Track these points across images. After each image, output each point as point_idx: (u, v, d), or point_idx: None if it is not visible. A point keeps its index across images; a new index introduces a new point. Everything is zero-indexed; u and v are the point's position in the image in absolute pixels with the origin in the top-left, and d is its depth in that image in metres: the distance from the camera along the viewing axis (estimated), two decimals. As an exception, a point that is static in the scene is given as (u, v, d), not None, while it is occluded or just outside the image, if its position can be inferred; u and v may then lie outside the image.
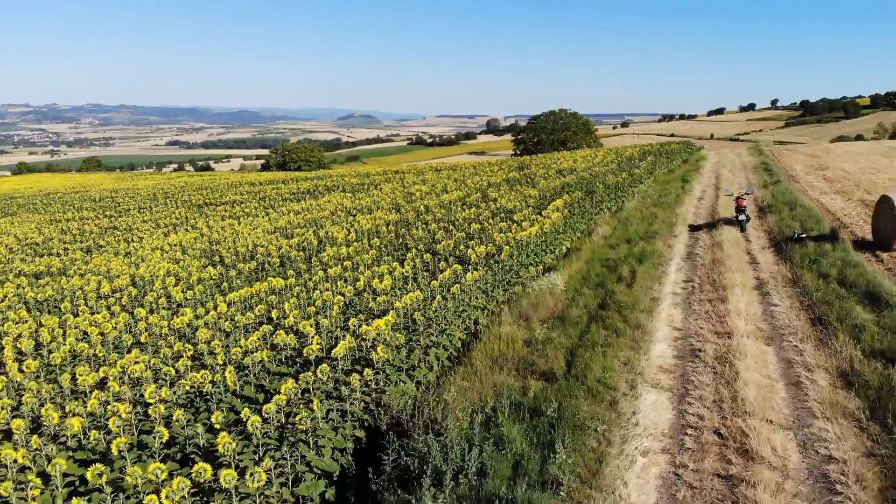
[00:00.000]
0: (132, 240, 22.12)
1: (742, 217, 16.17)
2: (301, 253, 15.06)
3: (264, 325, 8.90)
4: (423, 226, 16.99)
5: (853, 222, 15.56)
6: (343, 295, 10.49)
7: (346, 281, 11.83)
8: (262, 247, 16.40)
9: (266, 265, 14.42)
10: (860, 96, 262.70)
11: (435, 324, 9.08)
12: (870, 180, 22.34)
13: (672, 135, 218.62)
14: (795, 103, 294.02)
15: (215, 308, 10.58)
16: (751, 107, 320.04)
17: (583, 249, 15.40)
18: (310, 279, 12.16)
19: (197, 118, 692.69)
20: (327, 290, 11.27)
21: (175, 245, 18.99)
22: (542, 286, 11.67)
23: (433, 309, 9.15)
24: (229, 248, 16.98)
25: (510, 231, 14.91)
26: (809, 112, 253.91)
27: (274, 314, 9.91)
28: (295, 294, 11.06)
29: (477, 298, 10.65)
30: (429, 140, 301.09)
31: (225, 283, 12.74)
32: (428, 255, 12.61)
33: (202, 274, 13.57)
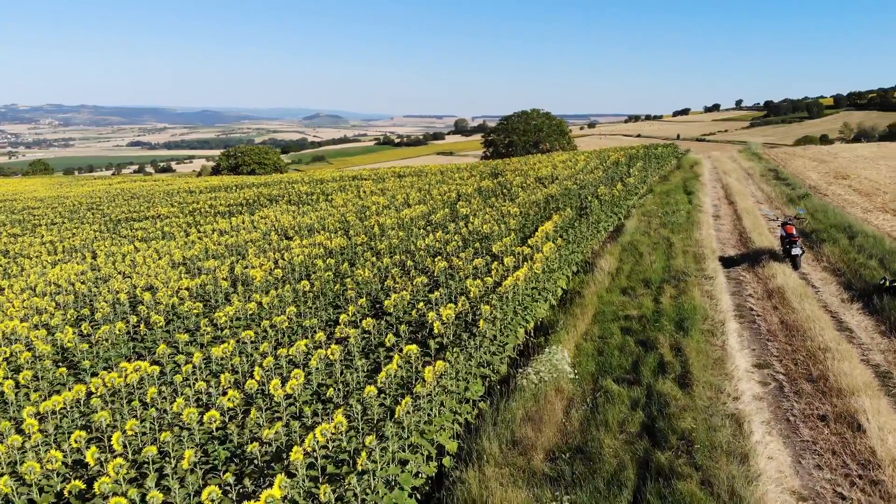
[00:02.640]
0: (12, 273, 17.56)
1: (796, 251, 12.37)
2: (200, 304, 10.77)
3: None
4: (374, 259, 12.89)
5: None
6: (221, 410, 6.35)
7: (235, 372, 7.68)
8: (152, 290, 12.17)
9: (145, 325, 10.16)
10: (822, 97, 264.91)
11: (363, 491, 4.97)
12: None
13: (639, 135, 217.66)
14: (759, 104, 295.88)
15: (18, 429, 6.48)
16: (715, 107, 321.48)
17: (585, 294, 11.42)
18: (186, 362, 7.94)
19: (159, 118, 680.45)
20: (199, 396, 7.12)
21: (52, 283, 14.54)
22: (543, 373, 7.64)
23: (361, 461, 5.04)
24: (117, 289, 12.74)
25: (489, 273, 10.89)
26: (773, 112, 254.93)
27: (90, 456, 5.69)
28: (149, 398, 6.88)
29: (441, 410, 6.56)
30: (396, 140, 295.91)
31: (61, 369, 8.42)
32: (370, 319, 8.44)
33: (46, 346, 9.26)
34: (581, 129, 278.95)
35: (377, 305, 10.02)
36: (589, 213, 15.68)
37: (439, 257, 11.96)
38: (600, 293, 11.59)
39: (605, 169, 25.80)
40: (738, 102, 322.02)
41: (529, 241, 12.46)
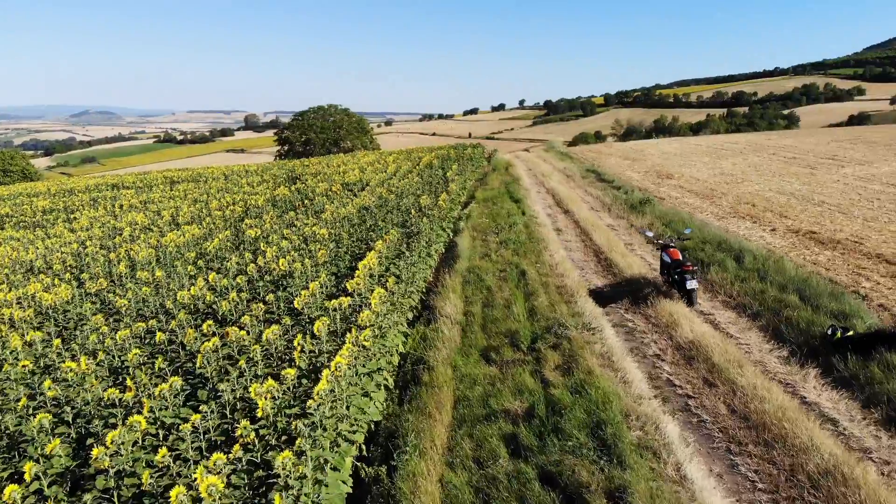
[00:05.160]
0: None
1: (691, 284, 9.51)
2: None
3: None
4: (107, 327, 8.31)
5: (850, 282, 9.60)
6: None
7: None
8: None
9: None
10: (594, 96, 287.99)
11: None
12: (756, 195, 17.17)
13: (434, 133, 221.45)
14: (539, 103, 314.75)
15: None
16: (501, 107, 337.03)
17: (433, 364, 7.86)
18: None
19: None
20: None
21: None
22: None
23: None
24: None
25: (290, 355, 6.95)
26: (553, 111, 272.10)
27: None
28: None
29: None
30: (179, 138, 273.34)
31: None
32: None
33: None
34: (378, 126, 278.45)
35: (87, 442, 5.60)
36: (418, 233, 12.13)
37: (211, 322, 7.67)
38: (454, 360, 8.05)
39: (419, 173, 22.54)
40: (521, 102, 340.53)
41: (349, 285, 8.60)
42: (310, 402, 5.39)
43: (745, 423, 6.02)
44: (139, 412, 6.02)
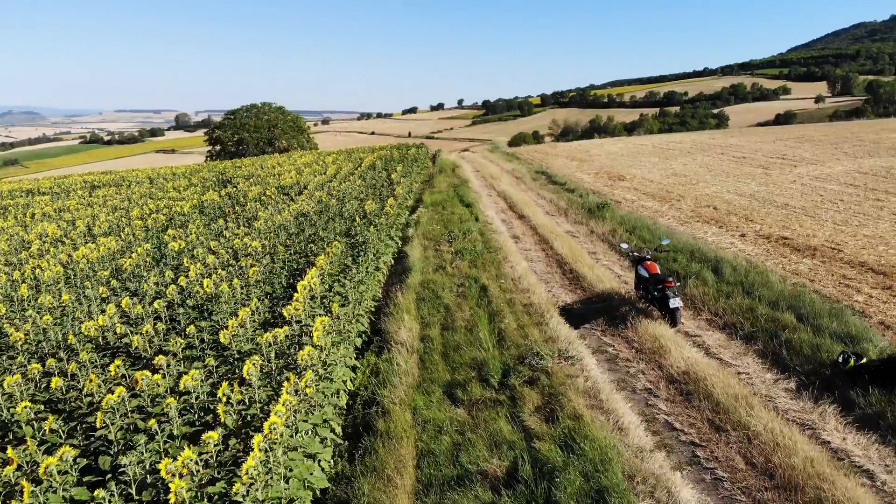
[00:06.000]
0: None
1: (675, 303, 8.51)
2: None
3: None
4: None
5: (840, 295, 8.82)
6: None
7: None
8: None
9: None
10: (531, 96, 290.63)
11: None
12: (715, 197, 16.55)
13: (373, 132, 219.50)
14: (478, 103, 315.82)
15: None
16: (440, 106, 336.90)
17: (389, 406, 6.74)
18: None
19: None
20: None
21: None
22: None
23: None
24: None
25: (214, 405, 5.75)
26: (491, 111, 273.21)
27: None
28: None
29: None
30: (107, 138, 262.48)
31: None
32: None
33: None
34: (315, 125, 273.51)
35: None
36: (365, 243, 10.91)
37: (120, 362, 6.31)
38: (413, 400, 6.91)
39: (361, 175, 21.26)
40: (460, 102, 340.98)
41: (286, 312, 7.36)
42: (237, 485, 4.17)
43: (770, 482, 5.09)
44: (21, 494, 4.71)
